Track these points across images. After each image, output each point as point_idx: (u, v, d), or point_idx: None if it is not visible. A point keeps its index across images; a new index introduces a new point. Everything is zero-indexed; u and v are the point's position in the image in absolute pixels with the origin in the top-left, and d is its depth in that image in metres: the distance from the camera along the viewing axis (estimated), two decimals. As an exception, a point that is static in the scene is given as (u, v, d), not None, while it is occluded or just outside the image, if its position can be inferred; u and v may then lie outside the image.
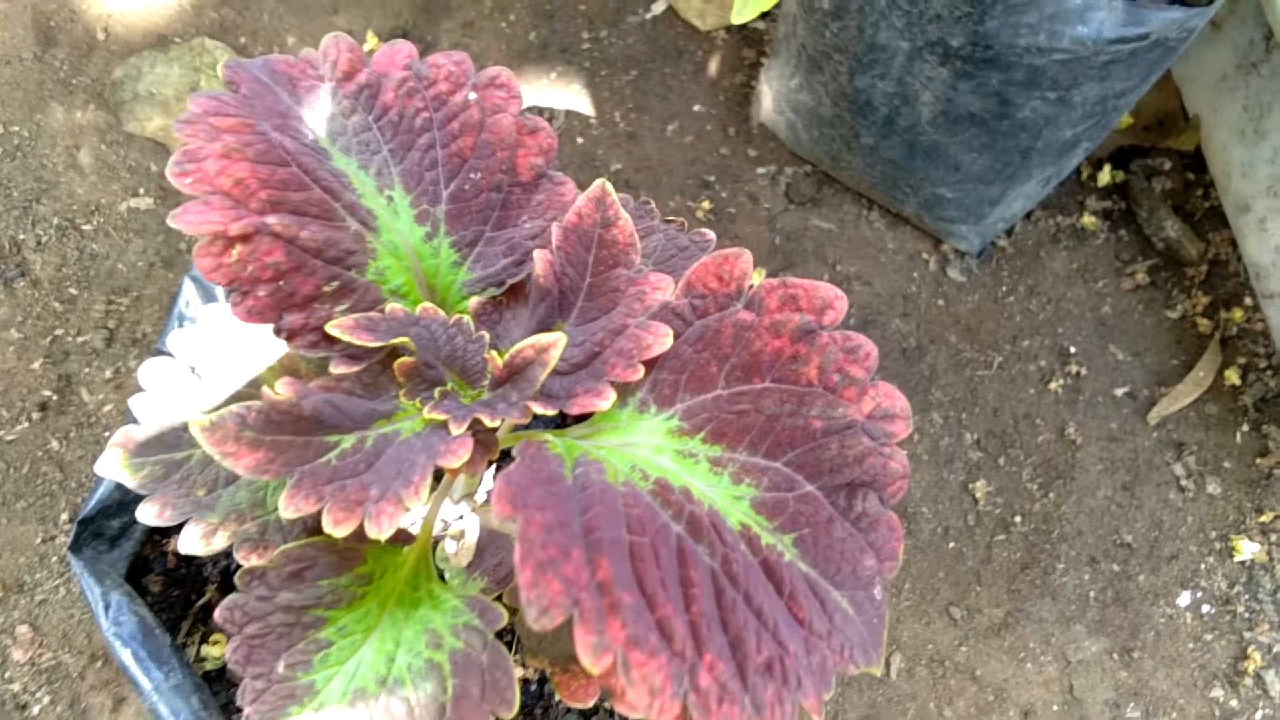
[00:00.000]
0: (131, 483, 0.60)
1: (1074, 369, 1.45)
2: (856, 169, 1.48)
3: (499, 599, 0.65)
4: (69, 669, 1.16)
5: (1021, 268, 1.51)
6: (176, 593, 0.85)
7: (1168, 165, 1.57)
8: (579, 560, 0.34)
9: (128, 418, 0.63)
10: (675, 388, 0.43)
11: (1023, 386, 1.43)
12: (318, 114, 0.45)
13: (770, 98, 1.51)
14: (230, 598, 0.48)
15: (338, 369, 0.43)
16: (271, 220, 0.43)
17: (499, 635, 0.51)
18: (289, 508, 0.40)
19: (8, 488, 1.24)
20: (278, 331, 0.43)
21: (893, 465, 0.43)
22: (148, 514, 0.60)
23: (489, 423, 0.41)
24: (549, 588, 0.33)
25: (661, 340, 0.41)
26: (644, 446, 0.43)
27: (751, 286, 0.44)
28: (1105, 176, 1.56)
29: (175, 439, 0.63)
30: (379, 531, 0.40)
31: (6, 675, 1.15)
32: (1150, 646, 1.30)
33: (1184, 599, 1.33)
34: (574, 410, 0.41)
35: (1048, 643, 1.29)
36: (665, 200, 1.49)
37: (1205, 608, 1.32)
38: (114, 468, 0.60)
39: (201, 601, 0.86)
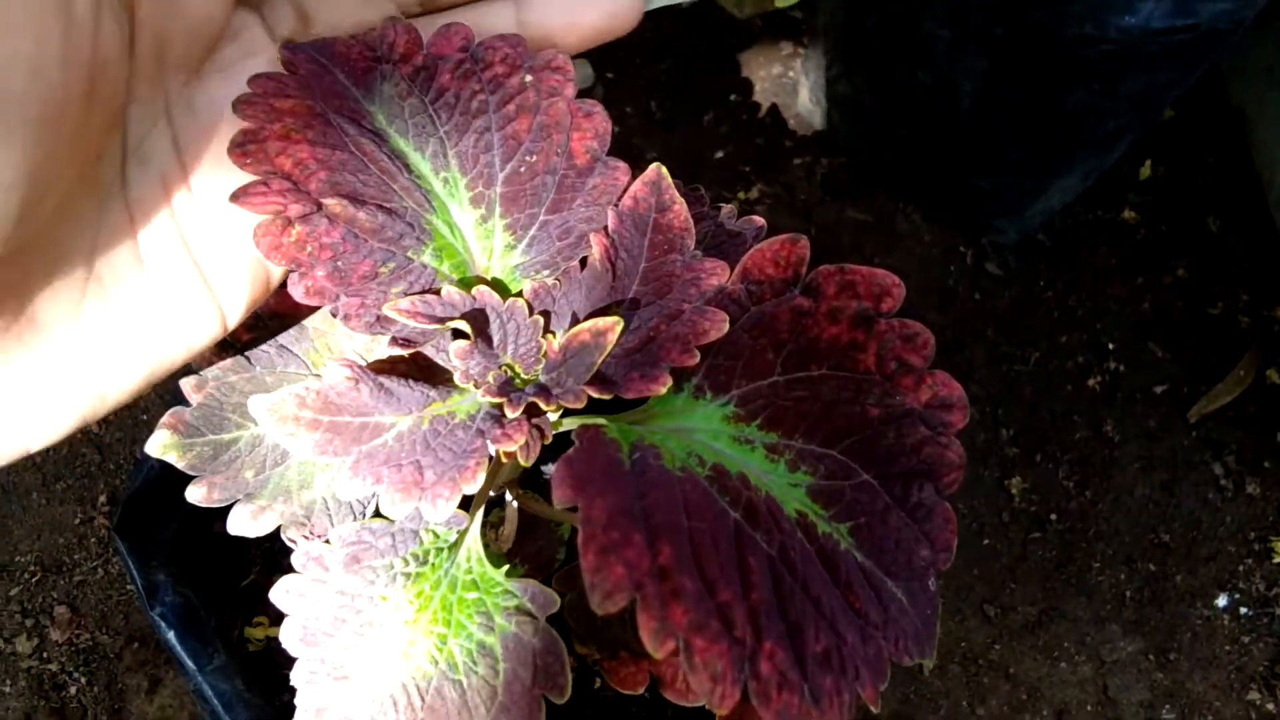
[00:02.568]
0: (180, 464, 0.61)
1: (1113, 365, 1.43)
2: (894, 160, 1.47)
3: (548, 583, 0.65)
4: (106, 649, 1.17)
5: (1060, 262, 1.49)
6: (220, 573, 0.86)
7: (1210, 159, 1.55)
8: (640, 545, 0.34)
9: (171, 399, 0.64)
10: (731, 374, 0.43)
11: (1060, 383, 1.42)
12: (375, 96, 0.45)
13: (807, 88, 1.50)
14: (286, 579, 0.48)
15: (394, 351, 0.43)
16: (330, 201, 0.43)
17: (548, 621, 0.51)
18: (348, 488, 0.40)
19: (47, 469, 1.25)
20: (333, 313, 0.43)
21: (949, 455, 0.42)
22: (196, 495, 0.60)
23: (545, 407, 0.41)
24: (612, 572, 0.33)
25: (718, 326, 0.41)
26: (700, 432, 0.43)
27: (808, 273, 0.43)
28: (1146, 170, 1.54)
29: (223, 420, 0.63)
30: (435, 514, 0.40)
31: (45, 655, 1.16)
32: (1187, 648, 1.28)
33: (1222, 600, 1.31)
34: (630, 395, 0.41)
35: (1082, 642, 1.28)
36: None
37: (1243, 609, 1.31)
38: (162, 448, 0.61)
39: (245, 582, 0.86)
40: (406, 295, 0.43)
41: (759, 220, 0.55)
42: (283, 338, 0.64)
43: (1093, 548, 1.33)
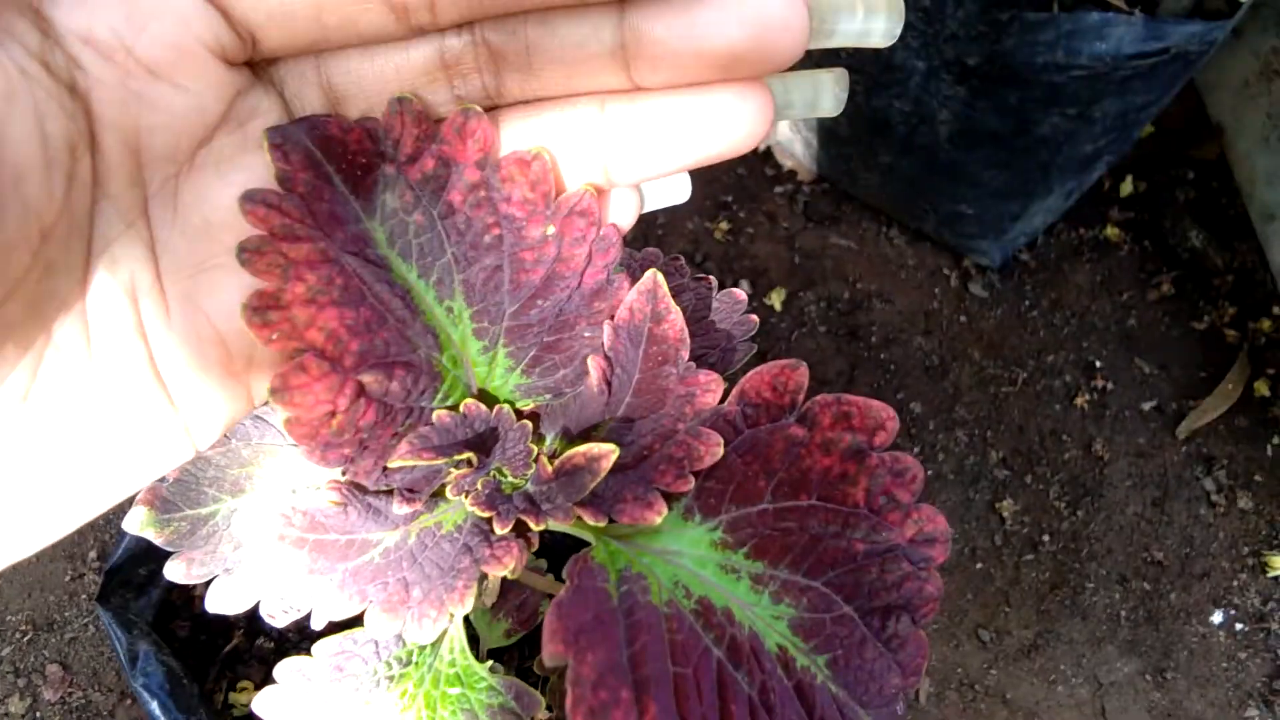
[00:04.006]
0: (158, 540, 0.60)
1: (1100, 383, 1.43)
2: (875, 187, 1.47)
3: (529, 660, 0.65)
4: (99, 707, 1.17)
5: (1044, 282, 1.49)
6: (203, 638, 0.86)
7: (1191, 174, 1.55)
8: (628, 704, 0.34)
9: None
10: (721, 498, 0.43)
11: (1048, 402, 1.42)
12: (376, 209, 0.40)
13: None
14: (269, 690, 0.48)
15: (401, 507, 0.42)
16: (367, 379, 0.40)
17: (530, 680, 0.51)
18: (334, 607, 0.40)
19: (35, 526, 1.24)
20: (343, 473, 0.42)
21: (928, 588, 0.42)
22: (175, 572, 0.60)
23: (534, 526, 0.40)
24: None
25: (714, 451, 0.41)
26: (687, 557, 0.43)
27: (805, 400, 0.43)
28: (1128, 187, 1.55)
29: (200, 494, 0.63)
30: (421, 635, 0.39)
31: (38, 714, 1.16)
32: (1183, 666, 1.28)
33: (1217, 617, 1.31)
34: (624, 520, 0.41)
35: (1079, 664, 1.28)
36: (683, 222, 1.49)
37: (1239, 626, 1.31)
38: (140, 525, 0.60)
39: (229, 647, 0.86)
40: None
41: (740, 294, 0.55)
42: (258, 408, 0.64)
43: (1086, 568, 1.33)
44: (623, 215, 0.44)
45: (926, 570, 0.42)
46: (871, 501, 0.42)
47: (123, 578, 0.81)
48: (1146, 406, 1.43)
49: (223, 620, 0.85)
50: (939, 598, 0.43)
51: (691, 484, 0.41)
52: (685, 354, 0.42)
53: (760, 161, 1.55)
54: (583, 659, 0.34)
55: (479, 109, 0.40)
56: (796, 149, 1.52)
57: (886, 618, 0.42)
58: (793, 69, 0.42)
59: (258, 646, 0.83)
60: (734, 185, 1.53)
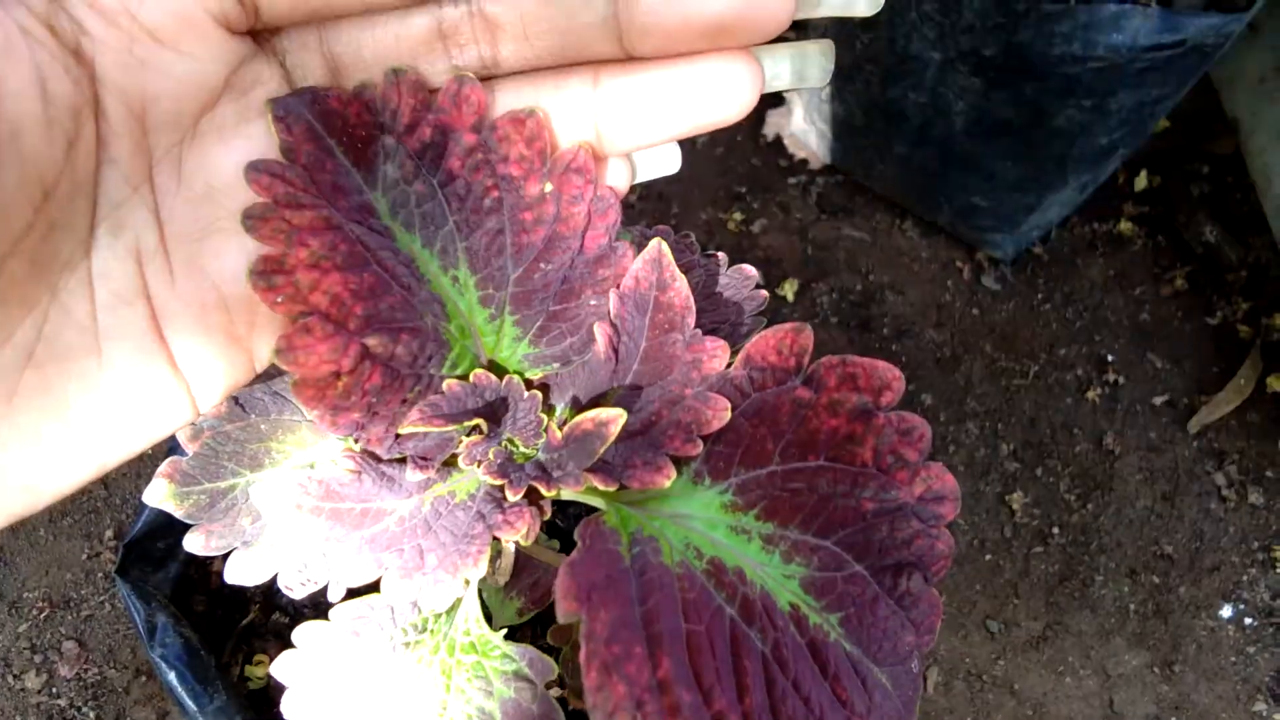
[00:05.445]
0: (178, 513, 0.61)
1: (1112, 377, 1.43)
2: (889, 178, 1.47)
3: (543, 638, 0.66)
4: (114, 684, 1.18)
5: (1057, 275, 1.49)
6: (220, 612, 0.87)
7: (1206, 169, 1.55)
8: (641, 658, 0.35)
9: (171, 440, 0.64)
10: (730, 461, 0.43)
11: (1060, 396, 1.42)
12: (378, 180, 0.41)
13: (801, 108, 1.51)
14: (287, 654, 0.48)
15: (414, 475, 0.43)
16: (371, 342, 0.41)
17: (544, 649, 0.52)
18: (351, 574, 0.40)
19: (53, 505, 1.26)
20: (356, 440, 0.42)
21: (939, 546, 0.43)
22: (194, 544, 0.61)
23: (545, 492, 0.41)
24: (614, 691, 0.34)
25: (721, 415, 0.41)
26: (698, 520, 0.43)
27: (811, 363, 0.43)
28: (1142, 181, 1.54)
29: (219, 468, 0.64)
30: (437, 601, 0.40)
31: (54, 691, 1.17)
32: (1192, 660, 1.28)
33: (1226, 611, 1.31)
34: (634, 485, 0.41)
35: (1087, 656, 1.28)
36: (697, 212, 1.49)
37: (1248, 620, 1.31)
38: (160, 498, 0.61)
39: (245, 621, 0.87)
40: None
41: (750, 270, 0.56)
42: (276, 384, 0.64)
43: (1095, 561, 1.33)
44: (615, 183, 0.45)
45: (937, 528, 0.42)
46: (879, 461, 0.42)
47: (141, 551, 0.82)
48: (1158, 401, 1.42)
49: (239, 595, 0.86)
50: (950, 555, 0.43)
51: (700, 448, 0.41)
52: (691, 321, 0.42)
53: (774, 152, 1.55)
54: (595, 615, 0.35)
55: (471, 75, 0.41)
56: (810, 140, 1.53)
57: (898, 575, 0.43)
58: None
59: (274, 621, 0.84)
60: (747, 176, 1.53)
